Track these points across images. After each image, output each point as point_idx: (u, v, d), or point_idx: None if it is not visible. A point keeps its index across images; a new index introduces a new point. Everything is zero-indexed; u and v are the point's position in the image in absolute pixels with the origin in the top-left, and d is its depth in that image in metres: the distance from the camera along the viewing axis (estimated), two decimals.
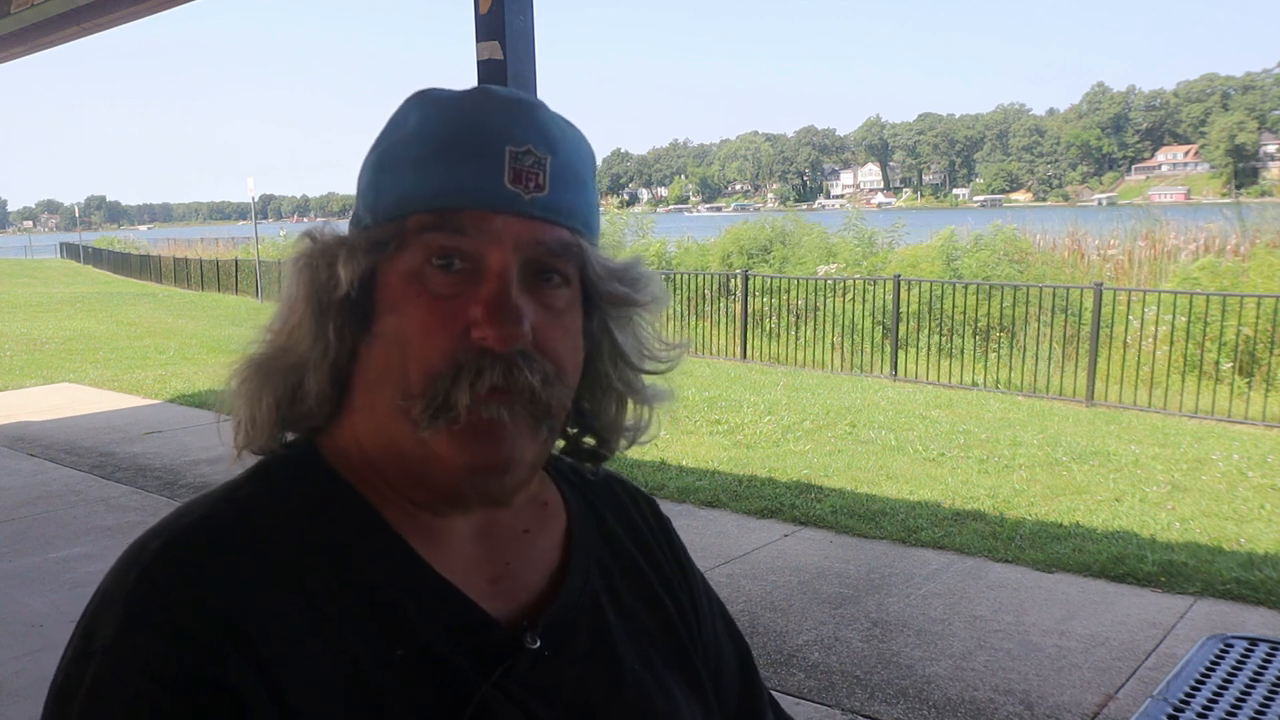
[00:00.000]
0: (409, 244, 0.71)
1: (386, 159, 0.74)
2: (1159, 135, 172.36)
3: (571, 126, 0.77)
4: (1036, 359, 9.89)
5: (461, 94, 0.75)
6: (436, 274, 0.70)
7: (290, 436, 0.78)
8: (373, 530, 0.74)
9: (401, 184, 0.72)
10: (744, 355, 11.93)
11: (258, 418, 0.76)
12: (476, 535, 0.78)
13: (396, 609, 0.72)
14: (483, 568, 0.78)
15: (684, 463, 6.89)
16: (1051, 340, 10.05)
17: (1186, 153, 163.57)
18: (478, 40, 2.96)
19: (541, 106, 0.76)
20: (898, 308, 10.70)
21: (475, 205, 0.70)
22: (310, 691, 0.66)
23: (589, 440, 0.87)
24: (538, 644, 0.76)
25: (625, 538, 0.90)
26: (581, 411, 0.83)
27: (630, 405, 0.85)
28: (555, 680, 0.76)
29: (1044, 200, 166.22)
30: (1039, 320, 10.26)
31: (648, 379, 0.85)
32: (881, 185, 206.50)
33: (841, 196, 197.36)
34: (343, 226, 0.77)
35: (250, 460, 0.78)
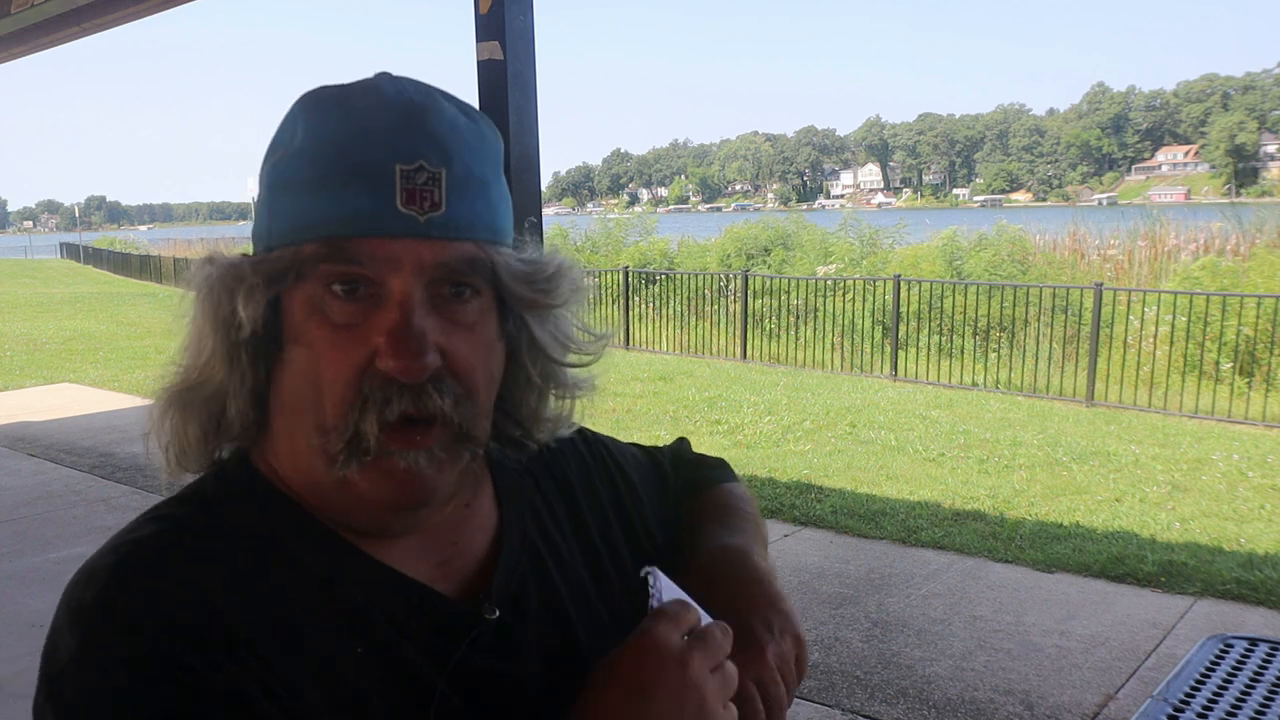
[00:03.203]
0: (307, 274, 0.69)
1: (277, 178, 0.71)
2: (1159, 135, 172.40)
3: (470, 122, 0.73)
4: (1036, 359, 9.88)
5: (346, 93, 0.71)
6: (337, 302, 0.68)
7: (223, 453, 0.78)
8: (320, 536, 0.74)
9: (293, 208, 0.70)
10: (744, 355, 11.92)
11: (187, 448, 0.76)
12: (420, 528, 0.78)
13: (356, 608, 0.72)
14: (430, 553, 0.78)
15: None
16: (1051, 340, 10.05)
17: (1186, 153, 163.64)
18: (478, 40, 2.96)
19: (432, 106, 0.71)
20: (898, 308, 10.70)
21: (369, 232, 0.67)
22: (277, 694, 0.66)
23: (512, 430, 0.86)
24: (496, 614, 0.76)
25: (568, 476, 0.91)
26: (503, 403, 0.82)
27: (553, 397, 0.85)
28: (519, 642, 0.77)
29: (1044, 200, 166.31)
30: (1039, 320, 10.26)
31: (571, 370, 0.84)
32: (881, 185, 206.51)
33: (841, 196, 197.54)
34: (246, 243, 0.76)
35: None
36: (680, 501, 1.01)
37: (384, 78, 0.73)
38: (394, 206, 0.67)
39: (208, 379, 0.73)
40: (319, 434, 0.70)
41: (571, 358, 0.84)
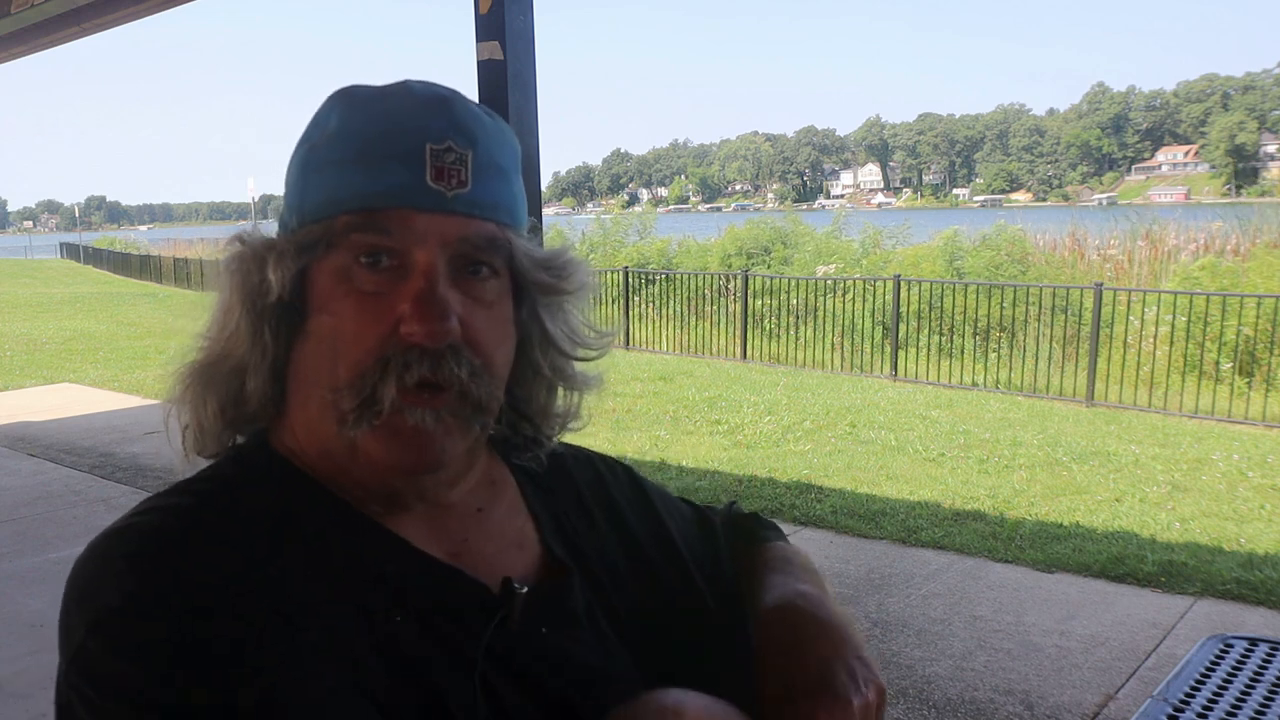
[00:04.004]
0: (337, 244, 0.72)
1: (311, 160, 0.75)
2: (1159, 135, 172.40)
3: (493, 118, 0.78)
4: (1036, 359, 9.88)
5: (381, 91, 0.76)
6: (364, 272, 0.71)
7: (239, 439, 0.80)
8: (340, 513, 0.75)
9: (326, 185, 0.73)
10: (744, 355, 11.92)
11: (205, 424, 0.77)
12: (428, 520, 0.79)
13: (386, 580, 0.73)
14: (440, 544, 0.78)
15: (684, 463, 6.89)
16: (1051, 340, 10.05)
17: (1186, 153, 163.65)
18: (478, 40, 2.96)
19: (459, 100, 0.76)
20: (898, 308, 10.70)
21: (399, 204, 0.71)
22: (300, 675, 0.65)
23: (525, 428, 0.88)
24: (526, 589, 0.77)
25: (587, 498, 0.92)
26: (513, 398, 0.84)
27: (561, 391, 0.87)
28: (546, 631, 0.78)
29: (1044, 200, 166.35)
30: (1039, 320, 10.26)
31: (578, 365, 0.87)
32: (882, 185, 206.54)
33: (841, 196, 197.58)
34: (273, 228, 0.78)
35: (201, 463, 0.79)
36: (730, 553, 1.00)
37: (412, 81, 0.77)
38: (424, 182, 0.71)
39: (230, 352, 0.75)
40: (332, 392, 0.72)
41: (579, 353, 0.86)
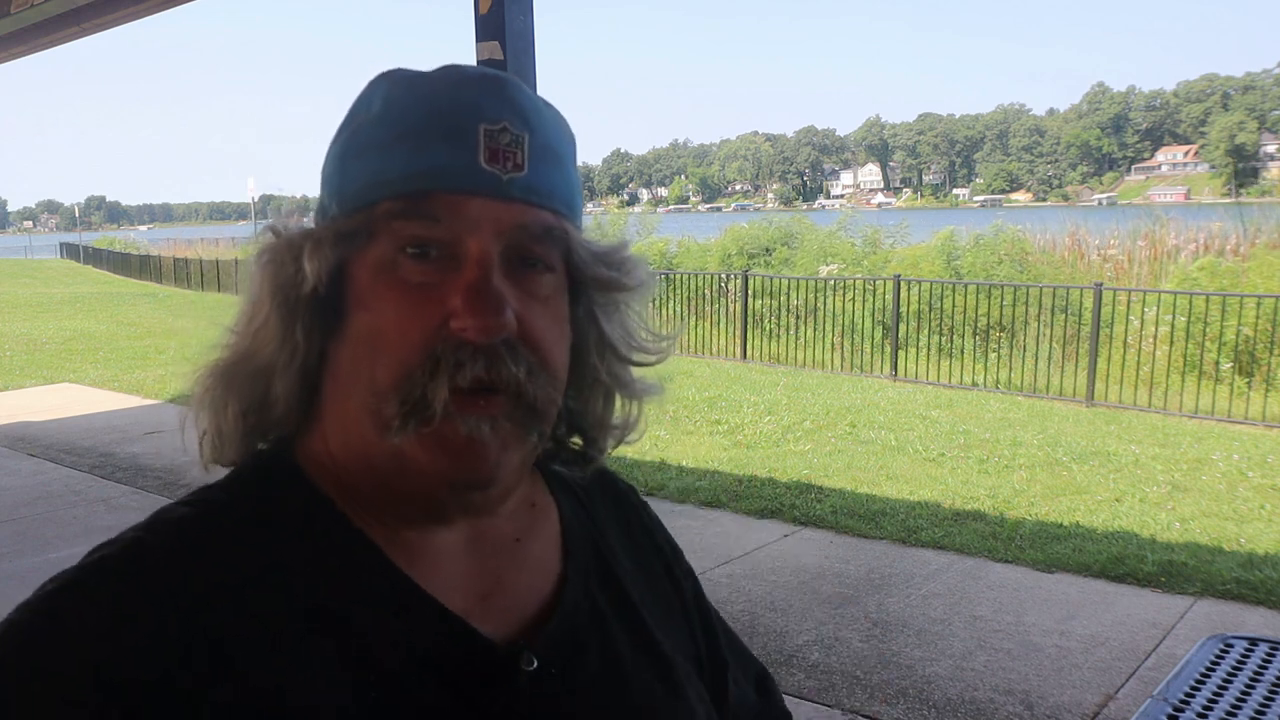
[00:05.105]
0: (379, 233, 0.65)
1: (352, 144, 0.69)
2: (1159, 135, 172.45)
3: (548, 104, 0.72)
4: (1036, 359, 9.89)
5: (430, 72, 0.70)
6: (410, 263, 0.65)
7: (263, 445, 0.73)
8: (349, 546, 0.68)
9: (368, 170, 0.67)
10: (744, 355, 11.93)
11: (224, 429, 0.70)
12: (463, 548, 0.72)
13: (375, 635, 0.66)
14: (473, 583, 0.72)
15: (684, 463, 6.89)
16: (1051, 340, 10.05)
17: (1186, 153, 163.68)
18: (478, 40, 2.96)
19: (515, 82, 0.70)
20: (898, 308, 10.70)
21: (449, 188, 0.65)
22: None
23: (575, 440, 0.82)
24: (534, 665, 0.70)
25: (622, 533, 0.87)
26: (568, 408, 0.78)
27: (618, 400, 0.80)
28: (560, 697, 0.71)
29: (1044, 200, 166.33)
30: (1039, 320, 10.26)
31: (636, 372, 0.80)
32: (882, 185, 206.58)
33: (842, 196, 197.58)
34: (309, 221, 0.72)
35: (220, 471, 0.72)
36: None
37: (460, 64, 0.72)
38: (476, 163, 0.65)
39: (257, 350, 0.68)
40: (374, 397, 0.65)
41: (636, 357, 0.80)
